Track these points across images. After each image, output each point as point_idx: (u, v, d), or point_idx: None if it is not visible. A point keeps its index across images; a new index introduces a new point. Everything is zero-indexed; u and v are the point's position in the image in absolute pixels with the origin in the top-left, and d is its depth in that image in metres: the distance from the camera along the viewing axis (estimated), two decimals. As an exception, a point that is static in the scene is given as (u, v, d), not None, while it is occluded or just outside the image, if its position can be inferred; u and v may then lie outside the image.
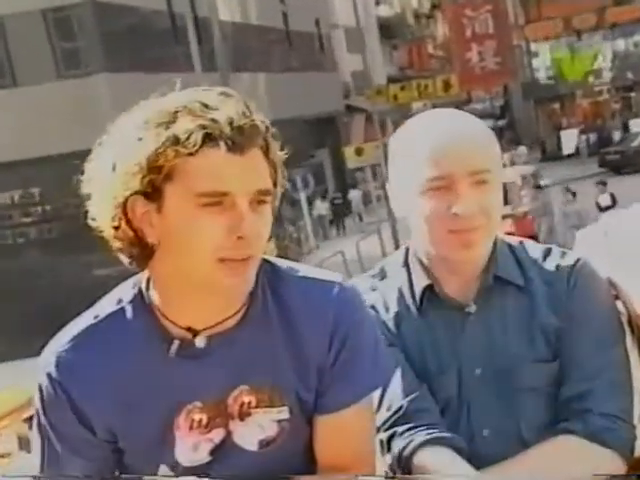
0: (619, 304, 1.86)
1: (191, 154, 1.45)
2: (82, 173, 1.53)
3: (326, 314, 1.60)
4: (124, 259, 1.56)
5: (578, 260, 1.83)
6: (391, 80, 35.17)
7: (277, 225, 1.72)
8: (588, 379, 1.76)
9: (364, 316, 1.66)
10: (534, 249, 1.89)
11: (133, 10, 20.30)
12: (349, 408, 1.62)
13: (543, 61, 42.23)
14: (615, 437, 1.73)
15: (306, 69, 31.24)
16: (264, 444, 1.62)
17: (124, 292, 1.63)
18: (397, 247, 17.71)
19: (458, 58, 30.49)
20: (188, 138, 1.44)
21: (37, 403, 1.62)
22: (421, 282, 1.86)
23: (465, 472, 1.69)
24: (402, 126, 1.85)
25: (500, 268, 1.83)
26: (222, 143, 1.45)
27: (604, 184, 19.16)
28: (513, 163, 22.50)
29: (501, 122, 42.17)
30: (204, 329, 1.57)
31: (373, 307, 1.84)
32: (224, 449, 1.61)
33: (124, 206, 1.49)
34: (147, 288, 1.60)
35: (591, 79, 39.63)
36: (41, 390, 1.61)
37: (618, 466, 1.72)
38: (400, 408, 1.78)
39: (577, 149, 37.46)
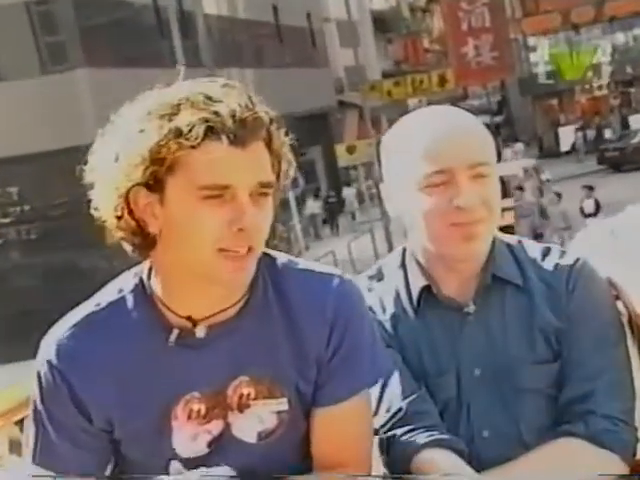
0: (619, 304, 1.85)
1: (193, 147, 1.46)
2: (85, 163, 1.56)
3: (325, 306, 1.61)
4: (127, 248, 1.58)
5: (577, 260, 1.82)
6: (386, 75, 34.82)
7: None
8: (589, 380, 1.75)
9: (363, 309, 1.68)
10: (533, 248, 1.88)
11: (117, 3, 20.09)
12: (347, 401, 1.63)
13: (541, 56, 41.97)
14: (617, 439, 1.73)
15: (297, 64, 31.02)
16: (263, 436, 1.63)
17: (125, 281, 1.65)
18: (390, 248, 17.60)
19: (454, 52, 30.20)
20: (190, 131, 1.45)
21: (35, 391, 1.63)
22: (418, 283, 1.85)
23: (466, 474, 1.68)
24: (397, 123, 1.86)
25: (498, 267, 1.83)
26: (224, 137, 1.47)
27: (591, 188, 18.91)
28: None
29: (498, 118, 41.66)
30: (204, 319, 1.59)
31: (370, 308, 1.81)
32: (222, 441, 1.62)
33: (126, 197, 1.51)
34: (148, 278, 1.63)
35: (590, 74, 39.32)
36: (40, 378, 1.62)
37: (620, 468, 1.71)
38: (399, 410, 1.78)
39: (574, 145, 37.19)
